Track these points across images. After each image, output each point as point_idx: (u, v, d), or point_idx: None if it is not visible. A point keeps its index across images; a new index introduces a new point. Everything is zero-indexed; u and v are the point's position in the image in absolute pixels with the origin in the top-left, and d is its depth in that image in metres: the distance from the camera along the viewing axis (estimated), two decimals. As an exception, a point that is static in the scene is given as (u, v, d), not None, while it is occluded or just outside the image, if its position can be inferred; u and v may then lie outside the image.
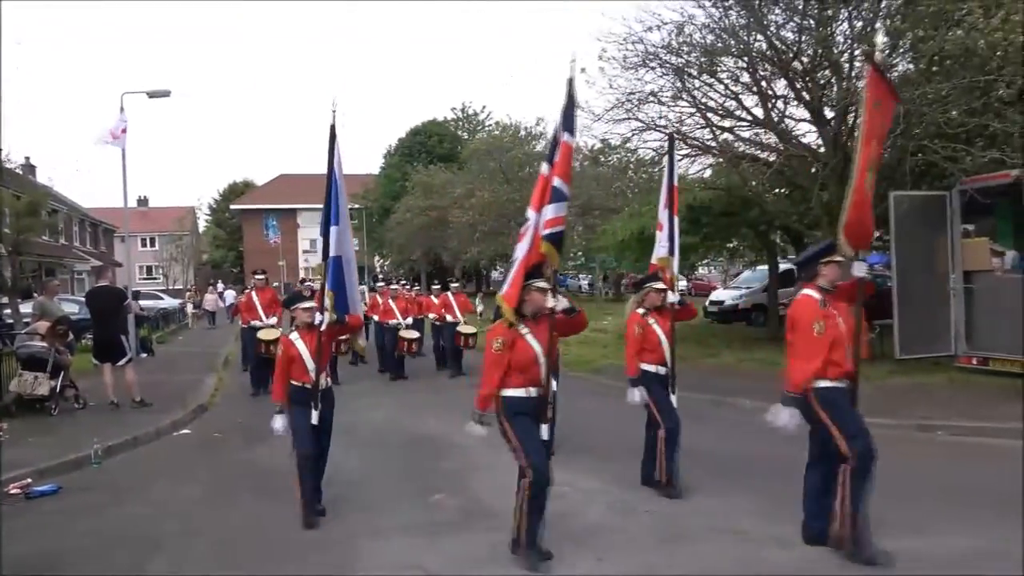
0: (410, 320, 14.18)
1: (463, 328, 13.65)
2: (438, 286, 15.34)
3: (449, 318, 13.95)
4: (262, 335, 11.40)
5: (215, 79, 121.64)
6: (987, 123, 10.34)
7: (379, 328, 14.24)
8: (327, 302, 5.79)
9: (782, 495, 5.87)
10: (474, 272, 44.60)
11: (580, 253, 39.68)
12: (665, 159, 7.27)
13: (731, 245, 21.08)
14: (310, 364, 5.70)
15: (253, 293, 12.65)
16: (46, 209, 27.46)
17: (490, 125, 46.14)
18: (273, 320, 12.21)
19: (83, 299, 15.09)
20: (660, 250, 7.13)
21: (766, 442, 7.86)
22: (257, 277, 12.87)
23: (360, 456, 7.87)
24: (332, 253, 5.91)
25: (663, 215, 7.12)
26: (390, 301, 14.19)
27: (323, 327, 5.72)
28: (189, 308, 29.82)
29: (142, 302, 20.00)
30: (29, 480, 6.91)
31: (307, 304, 5.89)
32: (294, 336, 5.81)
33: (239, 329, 14.98)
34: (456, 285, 15.53)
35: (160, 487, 6.98)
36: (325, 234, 5.95)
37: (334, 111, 5.90)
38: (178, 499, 6.56)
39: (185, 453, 8.49)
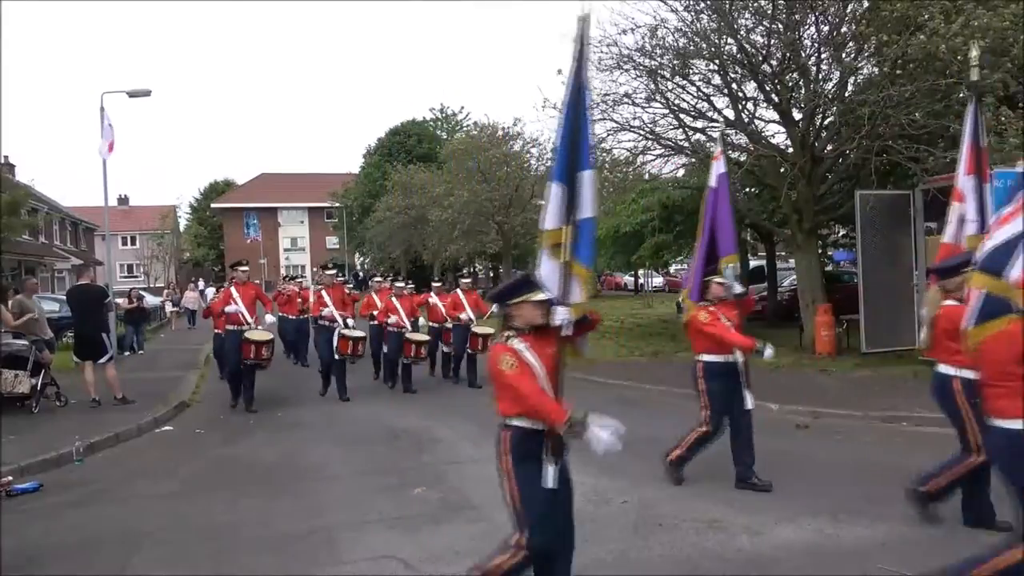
0: (421, 321, 12.48)
1: (479, 329, 11.79)
2: (439, 283, 13.72)
3: (463, 317, 12.02)
4: (252, 335, 10.15)
5: (195, 78, 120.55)
6: (948, 124, 10.70)
7: (378, 332, 12.12)
8: (577, 290, 3.67)
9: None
10: (452, 270, 44.76)
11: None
12: (970, 118, 5.78)
13: (704, 243, 21.40)
14: (547, 390, 3.63)
15: (233, 289, 10.44)
16: (26, 208, 27.29)
17: (468, 125, 46.25)
18: (269, 317, 10.81)
19: (64, 297, 15.09)
20: (968, 227, 5.45)
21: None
22: (241, 269, 10.66)
23: (341, 450, 8.00)
24: (587, 213, 3.76)
25: (966, 182, 5.49)
26: (394, 301, 11.87)
27: (568, 330, 3.61)
28: (168, 307, 29.00)
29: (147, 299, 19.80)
30: (10, 478, 6.94)
31: (541, 296, 3.61)
32: (519, 345, 3.60)
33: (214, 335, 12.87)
34: (467, 282, 13.37)
35: (142, 484, 7.05)
36: (568, 179, 3.74)
37: (582, 18, 3.70)
38: (160, 496, 6.62)
39: (167, 450, 8.55)
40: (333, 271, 12.22)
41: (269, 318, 10.84)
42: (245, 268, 10.80)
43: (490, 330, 11.75)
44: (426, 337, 11.92)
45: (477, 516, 5.62)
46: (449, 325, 12.19)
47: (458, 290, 12.54)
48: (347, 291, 13.36)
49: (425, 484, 6.51)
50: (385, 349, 12.09)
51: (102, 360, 10.70)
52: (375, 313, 12.16)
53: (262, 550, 5.12)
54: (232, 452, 8.19)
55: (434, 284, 13.55)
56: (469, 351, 11.94)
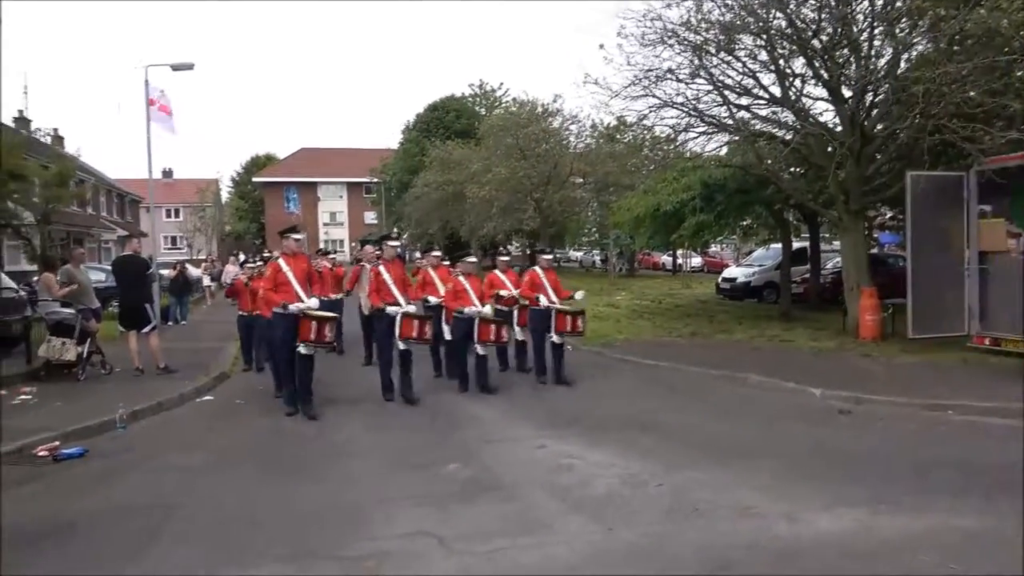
0: (487, 308, 9.79)
1: (565, 306, 10.10)
2: (506, 258, 11.24)
3: (544, 301, 10.04)
4: (311, 310, 8.37)
5: (238, 53, 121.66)
6: (1007, 103, 10.28)
7: (436, 315, 10.11)
8: None
9: (790, 471, 6.00)
10: (490, 247, 44.74)
11: (594, 229, 39.71)
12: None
13: (745, 223, 21.04)
14: None
15: (282, 262, 8.48)
16: (73, 179, 27.91)
17: (507, 101, 45.98)
18: (314, 301, 8.55)
19: (110, 267, 15.44)
20: None
21: (775, 418, 8.05)
22: (295, 237, 8.73)
23: (375, 426, 8.05)
24: None
25: None
26: (463, 281, 9.69)
27: None
28: (206, 280, 28.47)
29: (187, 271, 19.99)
30: (57, 443, 7.14)
31: None
32: None
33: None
34: (548, 258, 10.95)
35: (181, 453, 7.14)
36: None
37: None
38: (197, 464, 6.72)
39: (207, 419, 8.70)
40: (396, 244, 9.72)
41: (313, 303, 8.56)
42: (299, 236, 8.85)
43: (579, 307, 10.33)
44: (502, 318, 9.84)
45: (508, 495, 5.60)
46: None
47: (536, 268, 10.44)
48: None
49: (458, 461, 6.50)
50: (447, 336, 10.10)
51: (145, 330, 10.92)
52: (430, 299, 10.24)
53: (294, 524, 5.15)
54: (269, 425, 8.29)
55: (500, 259, 11.19)
56: (555, 338, 10.03)
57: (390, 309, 9.01)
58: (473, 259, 10.18)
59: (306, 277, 8.61)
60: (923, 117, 10.67)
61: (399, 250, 9.42)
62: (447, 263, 11.23)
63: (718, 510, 5.14)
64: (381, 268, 9.26)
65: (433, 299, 10.22)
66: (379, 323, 9.28)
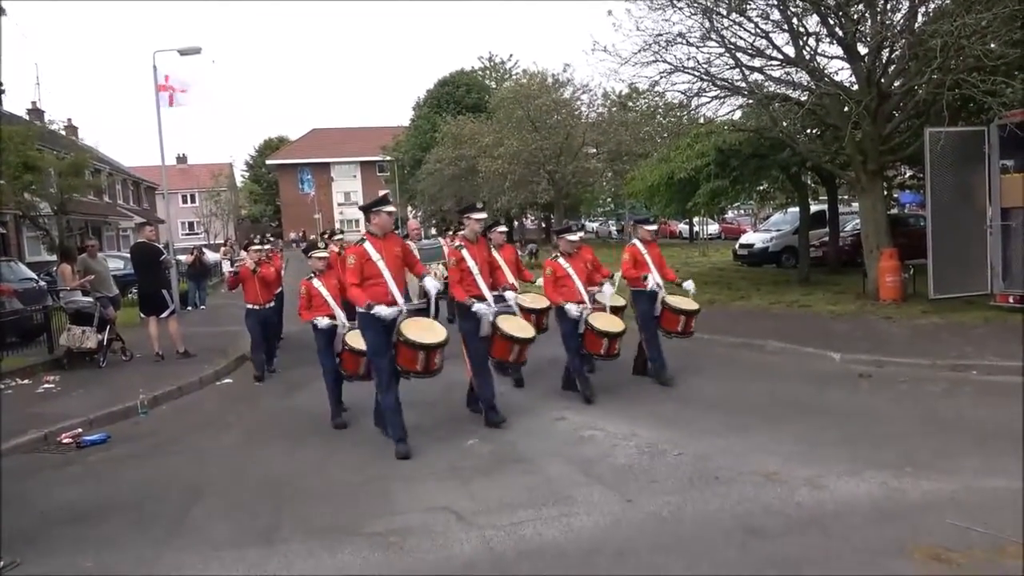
0: (608, 287, 7.98)
1: (675, 300, 8.15)
2: (580, 233, 8.06)
3: (651, 282, 7.97)
4: (412, 330, 6.10)
5: (245, 37, 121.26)
6: (1030, 54, 10.00)
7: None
8: None
9: (812, 437, 5.95)
10: (505, 221, 44.52)
11: (609, 200, 39.40)
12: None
13: (761, 187, 20.71)
14: None
15: (369, 247, 6.17)
16: (88, 169, 28.09)
17: (517, 73, 45.54)
18: (431, 285, 6.47)
19: (128, 255, 15.60)
20: None
21: (795, 383, 7.97)
22: (386, 211, 6.33)
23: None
24: None
25: None
26: (562, 263, 7.67)
27: None
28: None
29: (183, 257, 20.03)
30: (80, 430, 7.25)
31: None
32: None
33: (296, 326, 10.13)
34: (652, 229, 8.59)
35: (203, 435, 7.24)
36: None
37: None
38: (220, 447, 6.81)
39: (227, 402, 8.78)
40: (482, 216, 7.41)
41: (431, 284, 6.48)
42: (391, 210, 6.45)
43: (693, 304, 8.22)
44: (621, 325, 7.70)
45: (528, 468, 5.60)
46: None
47: (636, 241, 8.37)
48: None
49: (479, 436, 6.51)
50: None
51: (164, 315, 11.00)
52: (503, 288, 7.31)
53: (318, 500, 5.20)
54: (290, 404, 8.35)
55: (583, 228, 8.98)
56: (663, 333, 8.22)
57: (479, 308, 6.77)
58: (574, 236, 7.85)
59: (402, 267, 6.39)
60: (942, 72, 10.40)
61: (483, 227, 7.41)
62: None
63: (739, 477, 5.10)
64: (464, 252, 7.02)
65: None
66: (466, 321, 6.94)
